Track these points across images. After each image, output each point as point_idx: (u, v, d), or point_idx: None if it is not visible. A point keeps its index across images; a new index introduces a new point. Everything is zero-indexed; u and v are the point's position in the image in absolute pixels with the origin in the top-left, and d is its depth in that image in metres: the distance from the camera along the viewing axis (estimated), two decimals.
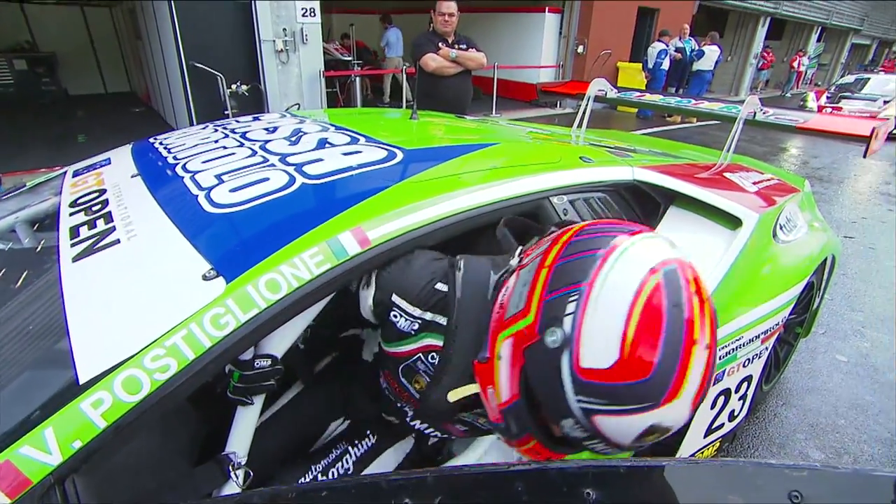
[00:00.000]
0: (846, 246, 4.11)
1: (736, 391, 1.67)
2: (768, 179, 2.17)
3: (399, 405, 1.03)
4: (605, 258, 0.59)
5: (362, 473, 1.09)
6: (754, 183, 1.94)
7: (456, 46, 3.52)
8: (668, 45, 9.01)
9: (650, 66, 9.10)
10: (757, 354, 1.66)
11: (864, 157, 2.22)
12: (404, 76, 7.57)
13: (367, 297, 0.87)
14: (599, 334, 0.55)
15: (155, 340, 0.64)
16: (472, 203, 0.94)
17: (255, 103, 6.31)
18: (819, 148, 8.30)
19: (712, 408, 1.61)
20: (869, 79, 10.69)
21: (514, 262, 0.73)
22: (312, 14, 6.44)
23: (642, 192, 1.41)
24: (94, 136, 6.51)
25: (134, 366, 0.62)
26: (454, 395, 0.77)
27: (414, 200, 0.90)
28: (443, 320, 0.81)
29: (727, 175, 1.88)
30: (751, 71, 16.04)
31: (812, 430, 2.13)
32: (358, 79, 8.21)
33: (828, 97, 10.31)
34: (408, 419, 1.04)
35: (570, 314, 0.57)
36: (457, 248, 1.02)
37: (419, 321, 0.83)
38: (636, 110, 9.58)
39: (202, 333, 0.66)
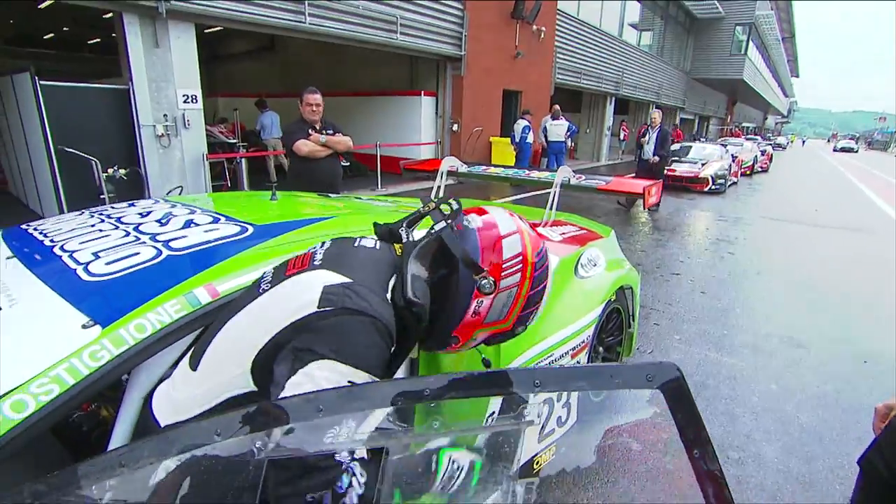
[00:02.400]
0: (673, 281, 4.98)
1: (557, 400, 2.06)
2: (578, 230, 2.75)
3: None
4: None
5: None
6: (562, 234, 2.48)
7: (323, 132, 3.90)
8: (530, 122, 10.37)
9: (517, 140, 10.35)
10: None
11: (644, 209, 2.90)
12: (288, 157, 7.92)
13: None
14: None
15: (40, 373, 0.86)
16: None
17: (134, 187, 6.22)
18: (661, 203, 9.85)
19: (538, 416, 1.99)
20: (691, 146, 13.10)
21: (482, 282, 0.96)
22: (194, 101, 6.65)
23: None
24: None
25: (21, 392, 0.83)
26: None
27: (256, 262, 1.20)
28: None
29: (539, 229, 2.39)
30: (607, 140, 18.66)
31: (635, 427, 2.60)
32: (244, 160, 8.41)
33: None
34: None
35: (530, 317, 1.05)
36: None
37: None
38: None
39: (81, 364, 0.88)
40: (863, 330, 4.00)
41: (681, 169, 11.58)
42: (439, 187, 3.11)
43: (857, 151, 49.57)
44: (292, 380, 0.80)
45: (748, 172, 16.43)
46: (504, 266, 0.97)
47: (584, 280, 2.24)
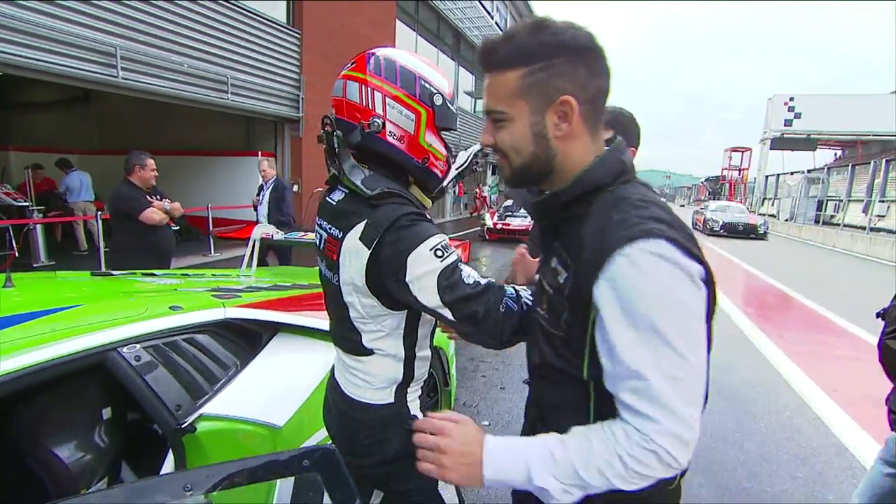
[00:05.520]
0: None
1: None
2: None
3: None
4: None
5: None
6: None
7: (157, 198, 3.70)
8: None
9: None
10: None
11: None
12: (99, 223, 7.00)
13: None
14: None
15: None
16: (8, 368, 1.08)
17: None
18: (496, 255, 10.67)
19: None
20: None
21: (372, 126, 1.06)
22: None
23: (242, 327, 1.74)
24: None
25: None
26: None
27: None
28: None
29: None
30: (450, 197, 19.93)
31: None
32: (39, 227, 7.24)
33: (499, 216, 13.55)
34: None
35: (427, 78, 1.10)
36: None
37: None
38: None
39: None
40: None
41: (514, 222, 12.92)
42: (251, 255, 2.98)
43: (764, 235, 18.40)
44: (413, 290, 0.99)
45: None
46: (361, 104, 1.07)
47: None
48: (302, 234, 3.41)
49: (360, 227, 1.03)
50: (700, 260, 0.74)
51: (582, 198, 0.82)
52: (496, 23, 21.57)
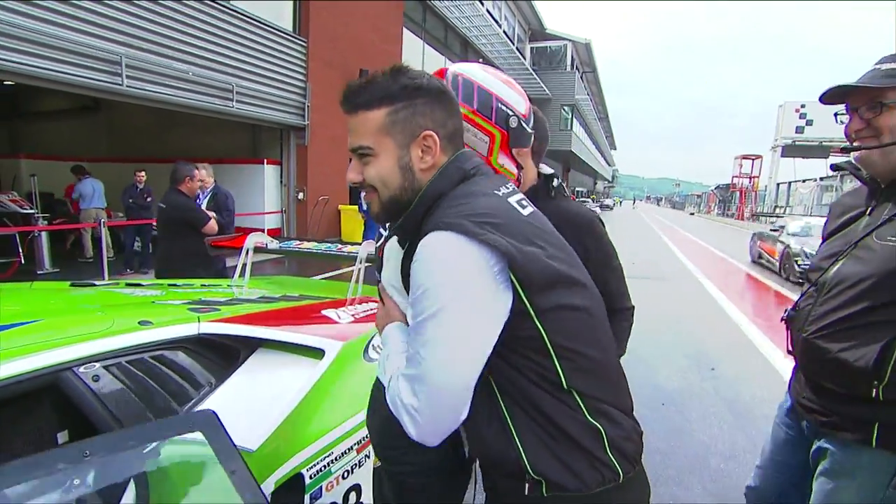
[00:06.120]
0: None
1: (343, 502, 1.89)
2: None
3: None
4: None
5: None
6: (353, 314, 2.38)
7: None
8: None
9: (364, 209, 10.47)
10: (356, 464, 1.92)
11: None
12: (103, 230, 7.02)
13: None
14: None
15: None
16: None
17: None
18: None
19: None
20: None
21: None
22: None
23: (217, 343, 1.65)
24: None
25: None
26: None
27: None
28: None
29: (326, 312, 2.29)
30: None
31: None
32: (44, 234, 7.26)
33: None
34: None
35: (503, 99, 1.15)
36: None
37: None
38: None
39: None
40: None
41: None
42: (244, 265, 2.90)
43: None
44: None
45: None
46: None
47: (373, 364, 2.16)
48: (297, 243, 3.34)
49: None
50: (496, 246, 0.78)
51: (431, 210, 0.89)
52: (504, 31, 21.59)
